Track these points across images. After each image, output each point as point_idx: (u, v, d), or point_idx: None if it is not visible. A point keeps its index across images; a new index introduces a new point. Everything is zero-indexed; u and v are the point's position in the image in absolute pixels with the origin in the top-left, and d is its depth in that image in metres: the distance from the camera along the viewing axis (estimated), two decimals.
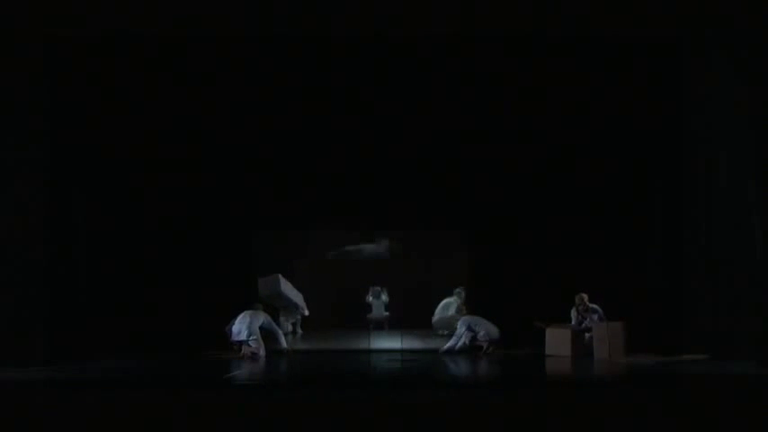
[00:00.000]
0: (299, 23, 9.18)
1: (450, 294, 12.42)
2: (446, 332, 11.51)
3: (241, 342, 10.10)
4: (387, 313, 13.46)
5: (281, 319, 12.36)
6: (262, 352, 10.12)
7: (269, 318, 10.45)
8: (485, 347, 10.29)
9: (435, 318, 12.30)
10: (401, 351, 11.00)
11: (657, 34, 9.62)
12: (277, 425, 6.15)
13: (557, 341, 10.09)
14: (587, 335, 10.01)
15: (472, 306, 11.24)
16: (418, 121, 10.89)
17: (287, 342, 10.75)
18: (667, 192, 10.19)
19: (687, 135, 9.81)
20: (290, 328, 12.57)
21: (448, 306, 12.24)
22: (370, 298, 13.47)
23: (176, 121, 10.74)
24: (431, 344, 11.39)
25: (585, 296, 10.25)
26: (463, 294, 12.08)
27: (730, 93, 8.87)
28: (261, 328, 10.22)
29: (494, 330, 10.38)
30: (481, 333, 10.36)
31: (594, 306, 10.18)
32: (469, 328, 10.43)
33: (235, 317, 10.23)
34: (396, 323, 13.24)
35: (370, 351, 11.15)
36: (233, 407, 6.38)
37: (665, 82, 10.12)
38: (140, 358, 9.53)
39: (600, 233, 10.74)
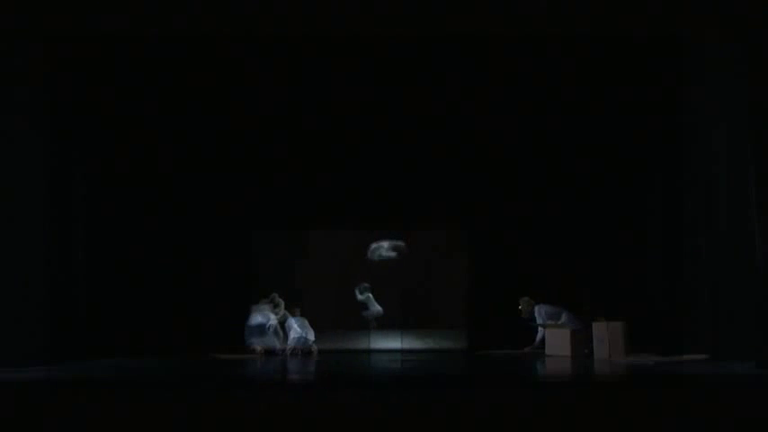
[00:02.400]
0: (299, 23, 9.18)
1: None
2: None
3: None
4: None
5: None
6: (279, 345, 10.57)
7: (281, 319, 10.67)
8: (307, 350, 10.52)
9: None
10: (401, 351, 11.00)
11: (657, 33, 9.63)
12: (276, 425, 6.14)
13: (557, 341, 10.09)
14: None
15: (474, 306, 11.26)
16: (419, 121, 10.91)
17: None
18: (667, 192, 10.21)
19: (687, 135, 9.82)
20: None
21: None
22: (361, 295, 13.49)
23: (176, 121, 10.77)
24: (431, 344, 11.39)
25: (526, 300, 10.24)
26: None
27: (731, 91, 8.86)
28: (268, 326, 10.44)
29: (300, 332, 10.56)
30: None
31: (542, 308, 10.26)
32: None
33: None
34: (396, 323, 13.25)
35: (370, 351, 11.16)
36: (232, 407, 6.37)
37: (664, 81, 10.14)
38: (140, 358, 9.54)
39: (600, 233, 10.76)
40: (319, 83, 10.70)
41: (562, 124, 10.87)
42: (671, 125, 10.10)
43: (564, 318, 10.38)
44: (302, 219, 11.65)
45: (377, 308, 13.50)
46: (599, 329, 9.72)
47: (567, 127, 10.87)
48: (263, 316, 10.65)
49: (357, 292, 13.49)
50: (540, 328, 10.55)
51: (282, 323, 10.74)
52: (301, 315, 10.88)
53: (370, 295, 13.51)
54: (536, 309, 10.49)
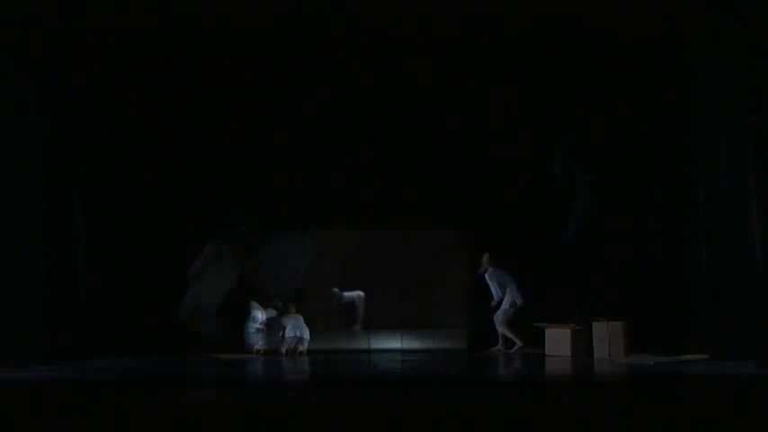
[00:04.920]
0: (300, 22, 9.19)
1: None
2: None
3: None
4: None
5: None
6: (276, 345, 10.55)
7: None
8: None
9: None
10: (401, 351, 11.00)
11: (658, 33, 9.63)
12: (276, 425, 6.14)
13: (557, 341, 10.09)
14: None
15: (474, 306, 11.29)
16: (419, 120, 10.91)
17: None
18: (667, 191, 10.20)
19: (687, 136, 9.82)
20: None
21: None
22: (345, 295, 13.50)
23: (176, 121, 10.77)
24: (431, 344, 11.39)
25: (488, 256, 10.83)
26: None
27: (731, 91, 8.86)
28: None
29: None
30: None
31: (495, 271, 10.77)
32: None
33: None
34: (396, 323, 13.24)
35: (369, 351, 11.16)
36: (233, 407, 6.37)
37: (664, 81, 10.14)
38: (140, 358, 9.54)
39: (600, 233, 10.75)
40: (319, 83, 10.69)
41: (562, 124, 10.87)
42: (671, 126, 10.10)
43: (507, 292, 10.76)
44: (302, 218, 11.63)
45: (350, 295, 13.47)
46: (599, 329, 9.72)
47: (567, 127, 10.86)
48: (261, 316, 10.66)
49: (343, 296, 13.48)
50: (495, 294, 10.90)
51: (277, 323, 10.72)
52: (297, 312, 10.87)
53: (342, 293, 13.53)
54: (490, 270, 10.92)
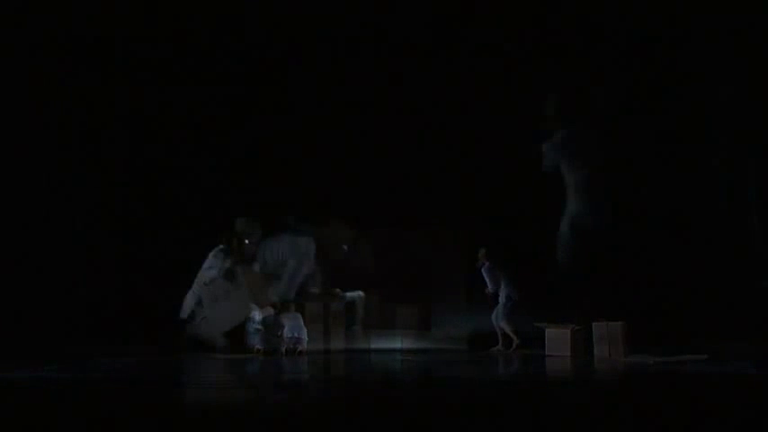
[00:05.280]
0: (299, 22, 9.20)
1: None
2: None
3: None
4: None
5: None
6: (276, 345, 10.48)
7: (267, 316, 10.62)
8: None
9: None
10: (401, 351, 11.00)
11: (658, 32, 9.64)
12: (277, 425, 6.15)
13: (557, 341, 10.10)
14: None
15: (474, 306, 11.30)
16: (419, 120, 10.92)
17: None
18: (667, 191, 10.20)
19: (687, 134, 9.82)
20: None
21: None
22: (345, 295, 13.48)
23: (176, 121, 10.78)
24: (431, 344, 11.38)
25: (484, 251, 10.97)
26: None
27: (731, 91, 8.87)
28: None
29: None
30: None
31: (490, 268, 10.95)
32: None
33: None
34: (396, 323, 13.23)
35: (369, 351, 11.16)
36: (233, 407, 6.37)
37: (664, 81, 10.15)
38: (140, 358, 9.54)
39: (599, 233, 10.75)
40: (316, 82, 10.70)
41: (562, 124, 10.86)
42: (671, 125, 10.10)
43: (502, 287, 11.03)
44: (302, 218, 11.64)
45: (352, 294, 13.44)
46: (599, 329, 9.72)
47: (567, 124, 10.85)
48: (259, 316, 10.66)
49: (344, 296, 13.45)
50: (491, 288, 11.14)
51: (276, 322, 10.71)
52: (296, 312, 10.86)
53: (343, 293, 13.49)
54: (486, 265, 11.22)
